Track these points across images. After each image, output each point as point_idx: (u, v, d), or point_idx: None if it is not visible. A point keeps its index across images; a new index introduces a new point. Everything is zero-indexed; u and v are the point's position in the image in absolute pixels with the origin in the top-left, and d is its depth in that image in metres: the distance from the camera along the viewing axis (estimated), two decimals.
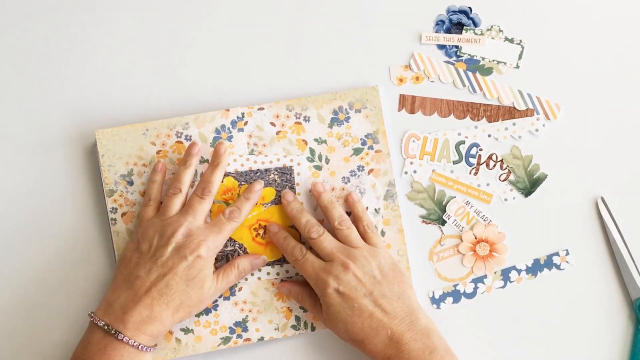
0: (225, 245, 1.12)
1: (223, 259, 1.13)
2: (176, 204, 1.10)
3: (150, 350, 1.06)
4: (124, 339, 1.04)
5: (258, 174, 1.12)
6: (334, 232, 1.11)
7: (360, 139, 1.15)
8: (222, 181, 1.12)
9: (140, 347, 1.05)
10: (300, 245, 1.10)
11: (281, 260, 1.13)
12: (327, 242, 1.09)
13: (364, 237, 1.11)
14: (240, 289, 1.13)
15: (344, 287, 1.06)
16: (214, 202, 1.12)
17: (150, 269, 1.06)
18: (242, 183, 1.12)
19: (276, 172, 1.12)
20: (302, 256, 1.09)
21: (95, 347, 1.05)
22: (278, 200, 1.13)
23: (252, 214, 1.13)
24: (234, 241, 1.13)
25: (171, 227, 1.08)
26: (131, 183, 1.14)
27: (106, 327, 1.05)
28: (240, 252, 1.12)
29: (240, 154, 1.13)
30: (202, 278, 1.07)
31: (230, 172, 1.12)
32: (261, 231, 1.13)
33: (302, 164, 1.13)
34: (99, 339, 1.05)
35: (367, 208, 1.14)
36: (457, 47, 1.17)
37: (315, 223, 1.10)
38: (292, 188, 1.12)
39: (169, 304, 1.06)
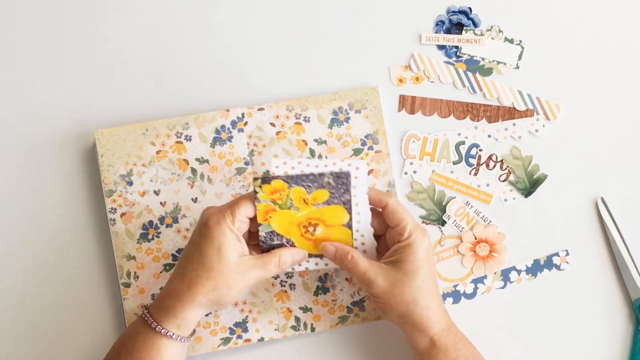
0: (272, 240, 1.07)
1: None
2: None
3: (169, 334, 1.03)
4: (144, 314, 1.03)
5: (310, 177, 1.05)
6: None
7: (360, 140, 1.15)
8: (270, 183, 1.05)
9: (157, 327, 1.02)
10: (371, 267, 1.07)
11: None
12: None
13: None
14: None
15: (432, 250, 1.07)
16: (260, 202, 1.06)
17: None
18: (292, 185, 1.06)
19: (331, 176, 1.06)
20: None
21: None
22: (330, 202, 1.07)
23: (303, 213, 1.07)
24: (281, 236, 1.08)
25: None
26: (130, 183, 1.14)
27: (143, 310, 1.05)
28: (288, 246, 1.08)
29: (290, 157, 1.12)
30: (217, 246, 1.02)
31: (279, 176, 1.05)
32: (311, 228, 1.08)
33: (361, 169, 1.05)
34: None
35: None
36: (457, 47, 1.17)
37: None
38: (347, 191, 1.06)
39: (185, 276, 1.03)
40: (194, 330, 1.07)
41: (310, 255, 1.09)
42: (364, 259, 1.06)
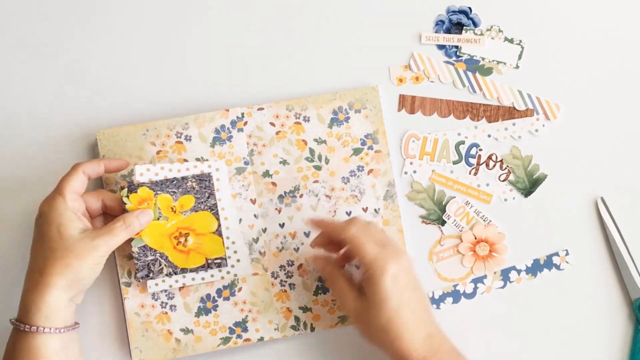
0: (146, 255, 1.10)
1: (144, 269, 1.11)
2: None
3: (39, 330, 1.01)
4: (11, 322, 1.03)
5: (175, 182, 1.10)
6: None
7: (360, 139, 1.15)
8: (136, 192, 1.09)
9: (24, 327, 1.01)
10: (346, 281, 1.08)
11: (205, 267, 1.12)
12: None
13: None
14: (240, 289, 1.13)
15: (403, 274, 1.02)
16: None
17: None
18: (158, 192, 1.10)
19: (194, 180, 1.10)
20: (364, 231, 1.04)
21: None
22: (197, 208, 1.11)
23: (172, 223, 1.10)
24: (155, 251, 1.11)
25: None
26: (131, 183, 1.14)
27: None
28: (162, 260, 1.11)
29: (153, 163, 1.13)
30: (56, 227, 1.03)
31: (144, 183, 1.10)
32: (182, 239, 1.11)
33: (221, 169, 1.11)
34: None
35: (366, 209, 1.14)
36: (457, 47, 1.17)
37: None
38: (212, 195, 1.10)
39: (34, 267, 1.03)
40: (76, 323, 1.06)
41: (185, 270, 1.11)
42: (343, 280, 1.07)
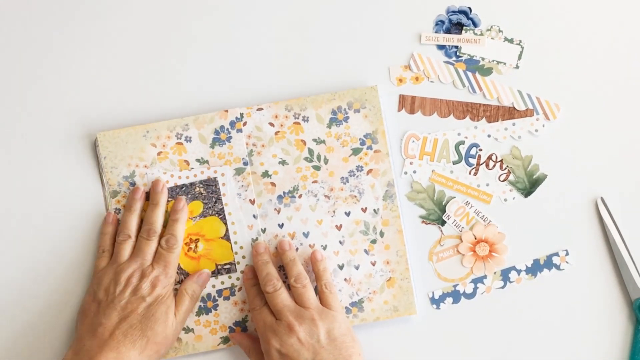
0: None
1: None
2: (126, 249, 1.12)
3: None
4: None
5: (184, 188, 1.13)
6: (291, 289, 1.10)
7: (359, 139, 1.15)
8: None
9: None
10: (261, 295, 1.10)
11: (215, 273, 1.13)
12: (280, 298, 1.08)
13: (320, 297, 1.10)
14: (240, 289, 1.14)
15: (286, 349, 1.05)
16: None
17: (110, 314, 1.07)
18: (169, 199, 1.13)
19: (201, 185, 1.13)
20: (260, 307, 1.09)
21: None
22: (206, 213, 1.13)
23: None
24: None
25: (125, 272, 1.09)
26: (133, 184, 1.15)
27: None
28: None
29: (163, 171, 1.14)
30: (165, 312, 1.08)
31: None
32: (192, 245, 1.13)
33: (227, 174, 1.13)
34: None
35: (365, 209, 1.14)
36: (456, 47, 1.16)
37: (274, 277, 1.10)
38: (219, 200, 1.12)
39: (135, 343, 1.06)
40: None
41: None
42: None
